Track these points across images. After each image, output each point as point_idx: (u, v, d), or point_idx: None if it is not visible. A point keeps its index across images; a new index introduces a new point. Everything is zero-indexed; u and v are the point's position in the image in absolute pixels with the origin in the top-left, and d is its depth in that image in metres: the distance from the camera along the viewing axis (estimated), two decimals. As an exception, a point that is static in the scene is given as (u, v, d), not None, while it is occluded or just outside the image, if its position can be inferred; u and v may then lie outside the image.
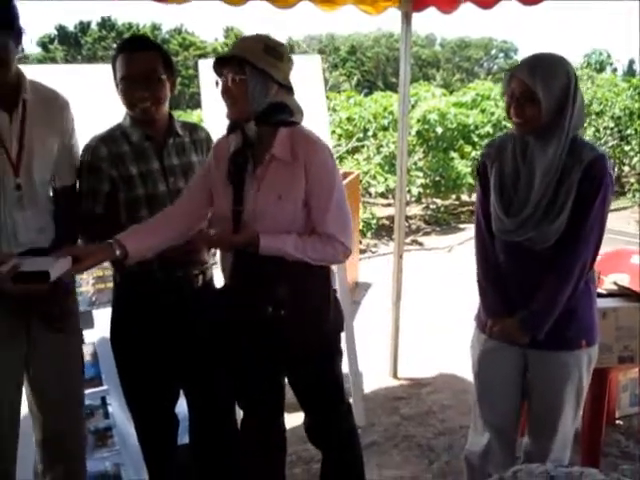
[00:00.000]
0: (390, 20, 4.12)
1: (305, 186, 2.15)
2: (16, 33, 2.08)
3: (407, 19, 3.86)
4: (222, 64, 2.15)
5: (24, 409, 2.44)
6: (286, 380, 2.50)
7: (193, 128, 2.57)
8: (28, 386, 2.40)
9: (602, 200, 2.16)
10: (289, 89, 2.21)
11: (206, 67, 3.64)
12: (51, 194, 2.33)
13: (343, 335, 2.52)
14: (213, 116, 3.46)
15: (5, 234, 2.19)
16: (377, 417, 3.86)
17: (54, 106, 2.29)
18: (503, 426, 2.51)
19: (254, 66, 2.08)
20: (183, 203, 2.32)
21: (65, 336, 2.32)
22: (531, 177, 2.22)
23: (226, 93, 2.14)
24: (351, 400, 2.69)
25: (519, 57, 51.43)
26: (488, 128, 10.57)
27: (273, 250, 2.13)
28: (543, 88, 2.10)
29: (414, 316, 5.16)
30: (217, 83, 2.17)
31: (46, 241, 2.28)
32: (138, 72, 2.29)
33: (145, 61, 2.30)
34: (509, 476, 1.21)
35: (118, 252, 2.12)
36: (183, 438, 2.78)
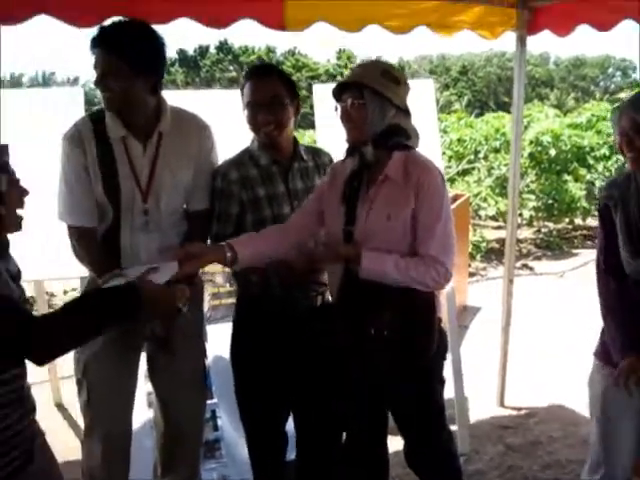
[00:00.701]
0: (502, 39, 4.09)
1: (413, 208, 2.18)
2: (147, 73, 2.25)
3: (522, 42, 3.83)
4: (341, 90, 2.24)
5: (143, 416, 2.59)
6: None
7: (316, 153, 2.66)
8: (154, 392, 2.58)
9: None
10: (406, 112, 2.29)
11: (320, 91, 3.74)
12: (180, 218, 2.47)
13: (449, 360, 2.51)
14: (326, 138, 3.55)
15: (129, 254, 2.36)
16: (482, 445, 3.78)
17: (191, 133, 2.43)
18: (624, 465, 2.40)
19: (373, 90, 2.18)
20: (296, 219, 2.42)
21: (183, 352, 2.43)
22: None
23: (346, 118, 2.23)
24: (456, 427, 2.67)
25: (638, 75, 49.45)
26: (604, 150, 10.18)
27: (374, 269, 2.16)
28: None
29: (523, 342, 5.03)
30: (336, 108, 2.26)
31: None
32: (263, 97, 2.40)
33: (269, 87, 2.42)
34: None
35: (229, 254, 2.21)
36: (290, 455, 2.83)
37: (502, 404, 4.31)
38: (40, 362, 1.72)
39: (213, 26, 3.12)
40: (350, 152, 2.30)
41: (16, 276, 1.81)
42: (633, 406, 2.30)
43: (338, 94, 2.27)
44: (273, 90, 2.42)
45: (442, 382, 2.46)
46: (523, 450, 3.75)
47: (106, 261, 2.33)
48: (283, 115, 2.44)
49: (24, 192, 1.81)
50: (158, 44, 2.30)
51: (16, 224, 1.80)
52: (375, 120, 2.20)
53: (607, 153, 10.18)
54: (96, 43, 2.22)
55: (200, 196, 2.48)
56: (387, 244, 2.19)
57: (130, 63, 2.20)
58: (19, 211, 1.80)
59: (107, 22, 2.42)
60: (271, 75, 2.47)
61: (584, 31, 3.54)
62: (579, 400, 4.04)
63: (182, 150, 2.40)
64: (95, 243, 2.37)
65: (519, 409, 4.26)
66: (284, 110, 2.44)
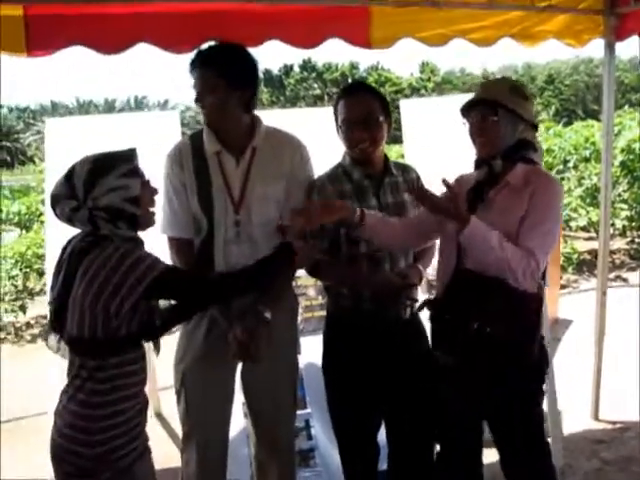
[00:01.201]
0: (589, 45, 4.02)
1: (526, 208, 2.27)
2: (227, 75, 2.36)
3: (610, 48, 3.77)
4: (471, 106, 2.35)
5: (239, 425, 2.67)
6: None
7: (405, 169, 2.72)
8: (245, 401, 2.66)
9: None
10: (533, 126, 2.39)
11: (407, 107, 3.80)
12: (272, 230, 2.51)
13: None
14: (414, 152, 3.60)
15: (222, 264, 2.46)
16: (576, 460, 3.71)
17: (285, 150, 2.53)
18: None
19: (506, 108, 2.29)
20: (415, 220, 2.55)
21: (276, 363, 2.50)
22: None
23: (477, 133, 2.36)
24: (549, 440, 2.64)
25: None
26: (700, 157, 9.79)
27: (479, 233, 2.20)
28: None
29: (617, 355, 4.88)
30: (464, 124, 2.39)
31: None
32: (358, 115, 2.48)
33: (364, 105, 2.49)
34: None
35: (357, 214, 2.38)
36: (382, 465, 2.86)
37: (596, 418, 4.21)
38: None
39: (302, 47, 3.23)
40: (479, 164, 2.41)
41: None
42: None
43: (466, 111, 2.38)
44: (368, 107, 2.49)
45: (542, 392, 2.46)
46: (618, 465, 3.65)
47: (201, 271, 2.44)
48: (378, 132, 2.51)
49: (154, 192, 2.07)
50: (252, 62, 2.44)
51: (149, 222, 2.07)
52: (507, 136, 2.31)
53: (702, 160, 9.76)
54: (195, 64, 2.37)
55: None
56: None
57: (227, 79, 2.35)
58: (151, 209, 2.06)
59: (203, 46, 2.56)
60: (366, 93, 2.55)
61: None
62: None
63: (274, 165, 2.49)
64: (192, 254, 2.49)
65: (614, 423, 4.16)
66: (379, 127, 2.51)
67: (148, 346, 2.12)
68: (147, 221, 2.05)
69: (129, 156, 2.00)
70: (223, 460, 2.61)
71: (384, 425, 2.78)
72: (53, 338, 2.03)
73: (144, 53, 3.16)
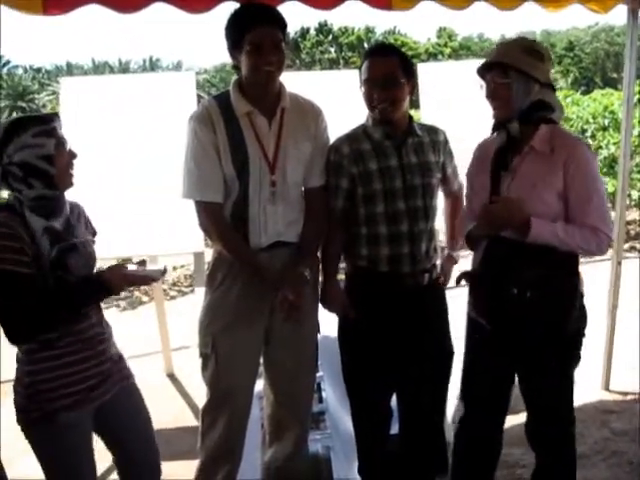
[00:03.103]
0: (611, 13, 3.95)
1: (564, 179, 2.26)
2: (285, 33, 2.40)
3: (634, 15, 3.70)
4: (486, 68, 2.34)
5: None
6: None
7: (432, 130, 2.70)
8: (264, 361, 2.69)
9: None
10: (550, 86, 2.36)
11: (424, 71, 3.74)
12: (301, 194, 2.58)
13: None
14: (431, 116, 3.55)
15: (257, 225, 2.47)
16: (586, 429, 3.71)
17: (309, 115, 2.55)
18: None
19: (517, 69, 2.28)
20: None
21: (300, 325, 2.54)
22: None
23: (492, 96, 2.35)
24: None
25: None
26: None
27: (545, 232, 2.21)
28: None
29: (630, 326, 4.88)
30: (481, 87, 2.37)
31: (293, 236, 2.54)
32: (378, 75, 2.47)
33: (386, 65, 2.48)
34: None
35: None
36: (393, 428, 2.89)
37: (607, 388, 4.22)
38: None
39: (321, 8, 3.17)
40: (496, 127, 2.41)
41: (61, 232, 2.07)
42: None
43: (483, 73, 2.38)
44: (389, 68, 2.48)
45: (578, 357, 2.47)
46: (628, 435, 3.66)
47: (234, 234, 2.47)
48: (398, 93, 2.49)
49: (73, 155, 2.12)
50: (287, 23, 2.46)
51: (67, 182, 2.12)
52: (520, 98, 2.30)
53: None
54: (259, 20, 2.32)
55: (317, 173, 2.58)
56: (532, 212, 2.24)
57: (284, 38, 2.38)
58: (70, 171, 2.11)
59: (225, 7, 2.52)
60: (389, 54, 2.53)
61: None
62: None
63: (302, 126, 2.52)
64: (223, 218, 2.48)
65: (625, 394, 4.16)
66: (399, 88, 2.49)
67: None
68: (64, 181, 2.11)
69: (47, 118, 2.09)
70: (246, 422, 2.66)
71: (396, 389, 2.80)
72: None
73: (158, 14, 3.12)
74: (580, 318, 2.39)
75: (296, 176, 2.52)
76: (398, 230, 2.54)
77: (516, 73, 2.28)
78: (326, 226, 2.59)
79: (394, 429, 2.89)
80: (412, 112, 2.67)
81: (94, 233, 2.32)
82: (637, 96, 9.86)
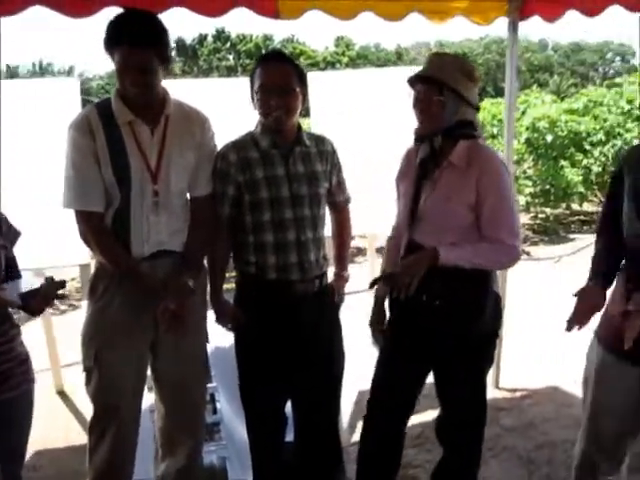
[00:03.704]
0: (499, 26, 4.13)
1: (476, 193, 2.34)
2: (162, 50, 2.30)
3: (514, 27, 3.87)
4: (420, 81, 2.42)
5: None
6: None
7: (320, 140, 2.70)
8: (153, 374, 2.64)
9: None
10: (475, 108, 2.47)
11: (315, 79, 3.77)
12: (185, 202, 2.55)
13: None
14: (321, 125, 3.58)
15: (139, 235, 2.42)
16: (477, 426, 3.83)
17: (194, 122, 2.51)
18: (611, 446, 2.42)
19: (452, 90, 2.36)
20: None
21: (190, 333, 2.50)
22: None
23: (422, 110, 2.41)
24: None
25: (637, 61, 49.24)
26: (600, 135, 10.17)
27: (453, 259, 2.32)
28: None
29: (518, 326, 5.08)
30: (409, 95, 2.47)
31: (177, 245, 2.50)
32: (274, 82, 2.46)
33: (281, 73, 2.48)
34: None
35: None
36: (289, 435, 2.88)
37: (497, 386, 4.36)
38: None
39: (208, 15, 3.15)
40: (420, 140, 2.48)
41: None
42: (622, 390, 2.31)
43: (413, 82, 2.44)
44: (285, 76, 2.48)
45: (491, 359, 2.62)
46: (517, 431, 3.81)
47: (114, 244, 2.41)
48: (293, 101, 2.49)
49: None
50: (167, 29, 2.37)
51: None
52: (449, 116, 2.38)
53: (603, 138, 10.15)
54: (124, 39, 2.23)
55: (203, 182, 2.54)
56: (445, 223, 2.39)
57: (160, 56, 2.30)
58: None
59: (110, 14, 2.43)
60: (284, 62, 2.53)
61: (577, 17, 3.55)
62: (573, 382, 4.09)
63: (187, 134, 2.47)
64: (104, 227, 2.42)
65: (514, 391, 4.33)
66: (294, 96, 2.49)
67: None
68: None
69: None
70: (136, 437, 2.60)
71: (290, 396, 2.80)
72: None
73: (49, 17, 3.00)
74: (493, 321, 2.50)
75: (180, 185, 2.48)
76: (285, 239, 2.53)
77: (451, 92, 2.36)
78: (212, 235, 2.56)
79: (289, 437, 2.88)
80: (301, 120, 2.68)
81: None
82: (523, 105, 10.35)
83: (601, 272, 2.32)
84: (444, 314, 2.39)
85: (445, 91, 2.36)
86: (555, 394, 4.26)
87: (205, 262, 2.63)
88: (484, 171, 2.35)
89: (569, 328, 2.25)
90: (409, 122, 2.51)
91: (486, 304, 2.43)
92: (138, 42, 2.23)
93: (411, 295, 2.30)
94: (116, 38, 2.24)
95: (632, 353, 2.17)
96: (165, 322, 2.37)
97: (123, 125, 2.36)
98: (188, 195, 2.56)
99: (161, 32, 2.32)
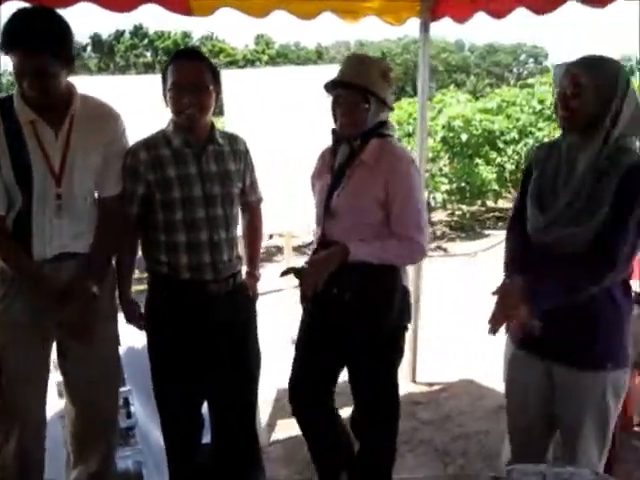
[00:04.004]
0: (417, 27, 4.21)
1: (385, 191, 2.42)
2: (61, 52, 2.19)
3: (425, 28, 3.95)
4: (338, 85, 2.48)
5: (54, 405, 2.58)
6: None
7: (233, 139, 2.67)
8: (63, 378, 2.57)
9: (638, 211, 2.04)
10: (391, 109, 2.57)
11: (229, 77, 3.74)
12: (92, 203, 2.46)
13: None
14: (237, 124, 3.56)
15: (42, 237, 2.33)
16: (395, 421, 3.89)
17: (103, 119, 2.42)
18: (527, 439, 2.45)
19: (377, 96, 2.43)
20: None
21: (99, 337, 2.42)
22: (569, 177, 2.17)
23: (344, 114, 2.47)
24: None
25: (549, 62, 51.01)
26: (514, 134, 10.50)
27: (362, 254, 2.39)
28: (590, 75, 2.06)
29: (434, 321, 5.19)
30: (330, 96, 2.52)
31: (81, 247, 2.42)
32: (188, 80, 2.41)
33: (195, 70, 2.44)
34: (504, 474, 1.25)
35: None
36: (205, 438, 2.85)
37: (414, 380, 4.43)
38: None
39: (115, 10, 3.09)
40: (338, 141, 2.55)
41: None
42: (530, 382, 2.36)
43: (333, 86, 2.49)
44: (199, 74, 2.44)
45: (400, 350, 2.66)
46: (434, 424, 3.88)
47: (13, 245, 2.32)
48: (207, 99, 2.46)
49: None
50: (69, 27, 2.25)
51: None
52: (371, 120, 2.46)
53: (516, 137, 10.50)
54: (19, 44, 2.12)
55: (112, 182, 2.47)
56: (356, 218, 2.46)
57: (61, 58, 2.19)
58: None
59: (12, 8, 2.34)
60: (198, 59, 2.49)
61: (487, 19, 3.65)
62: (487, 375, 4.22)
63: (93, 134, 2.37)
64: (5, 230, 2.32)
65: (430, 385, 4.40)
66: (208, 94, 2.46)
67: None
68: None
69: None
70: (42, 441, 2.52)
71: (206, 397, 2.76)
72: None
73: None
74: (401, 314, 2.54)
75: (86, 187, 2.40)
76: (197, 238, 2.49)
77: (375, 99, 2.43)
78: (121, 236, 2.51)
79: (207, 438, 2.85)
80: (215, 119, 2.65)
81: None
82: (439, 105, 10.56)
83: (517, 267, 2.35)
84: (354, 309, 2.43)
85: (370, 98, 2.43)
86: (470, 387, 4.35)
87: (114, 262, 2.57)
88: (393, 170, 2.43)
89: (493, 331, 2.17)
90: (327, 121, 2.54)
91: (395, 298, 2.48)
92: (34, 47, 2.12)
93: (320, 290, 2.36)
94: (10, 42, 2.13)
95: (538, 347, 2.25)
96: (70, 328, 2.32)
97: (25, 124, 2.26)
98: (96, 195, 2.49)
99: (61, 32, 2.20)
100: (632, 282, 3.30)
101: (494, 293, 2.20)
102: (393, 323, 2.51)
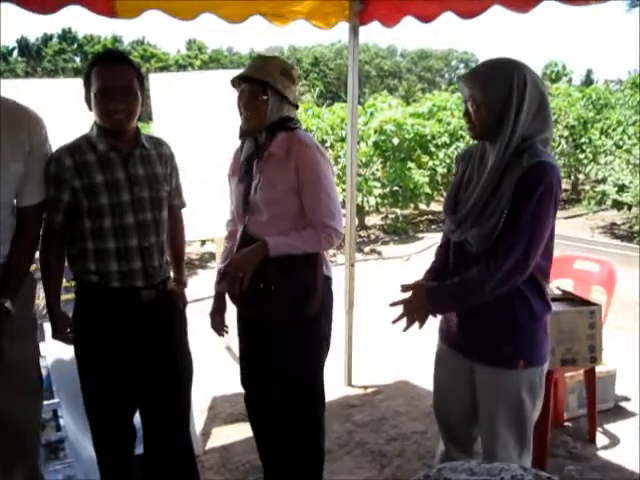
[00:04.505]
0: (339, 30, 4.27)
1: (296, 180, 2.53)
2: None
3: (355, 32, 3.98)
4: (244, 81, 2.57)
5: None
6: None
7: (158, 143, 2.63)
8: None
9: (536, 207, 2.06)
10: (296, 106, 2.69)
11: (157, 81, 3.69)
12: (11, 212, 2.35)
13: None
14: (163, 128, 3.51)
15: None
16: (330, 424, 3.83)
17: (24, 125, 2.30)
18: (456, 435, 2.49)
19: (275, 89, 2.53)
20: None
21: (13, 353, 2.30)
22: (479, 180, 2.20)
23: (248, 108, 2.57)
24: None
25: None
26: (445, 138, 10.71)
27: (281, 248, 2.49)
28: (480, 91, 2.12)
29: (369, 324, 5.21)
30: (236, 92, 2.61)
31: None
32: (116, 85, 2.34)
33: (123, 75, 2.38)
34: (434, 473, 1.25)
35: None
36: (138, 449, 2.78)
37: (349, 384, 4.45)
38: None
39: (39, 11, 2.99)
40: (243, 135, 2.67)
41: None
42: (454, 379, 2.41)
43: (238, 82, 2.60)
44: (127, 78, 2.38)
45: (324, 339, 2.75)
46: (370, 426, 3.90)
47: None
48: (135, 105, 2.41)
49: None
50: None
51: None
52: (273, 114, 2.56)
53: (447, 141, 10.71)
54: None
55: (33, 190, 2.37)
56: (275, 210, 2.56)
57: None
58: None
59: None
60: (124, 63, 2.42)
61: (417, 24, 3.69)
62: (421, 376, 4.26)
63: (12, 141, 2.26)
64: None
65: (365, 387, 4.43)
66: (136, 99, 2.41)
67: None
68: None
69: None
70: None
71: (138, 407, 2.70)
72: None
73: None
74: (323, 305, 2.63)
75: (4, 199, 2.28)
76: (127, 245, 2.44)
77: (274, 92, 2.53)
78: (41, 245, 2.43)
79: (140, 449, 2.78)
80: (144, 125, 2.60)
81: None
82: (371, 109, 10.65)
83: (432, 268, 2.44)
84: (280, 299, 2.52)
85: (269, 92, 2.53)
86: (405, 388, 4.40)
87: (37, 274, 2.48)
88: (301, 160, 2.53)
89: (405, 328, 2.34)
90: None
91: (317, 286, 2.56)
92: None
93: (246, 288, 2.46)
94: None
95: (459, 344, 2.33)
96: None
97: None
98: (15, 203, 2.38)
99: None
100: (559, 282, 3.42)
101: (403, 290, 2.34)
102: (316, 310, 2.58)
